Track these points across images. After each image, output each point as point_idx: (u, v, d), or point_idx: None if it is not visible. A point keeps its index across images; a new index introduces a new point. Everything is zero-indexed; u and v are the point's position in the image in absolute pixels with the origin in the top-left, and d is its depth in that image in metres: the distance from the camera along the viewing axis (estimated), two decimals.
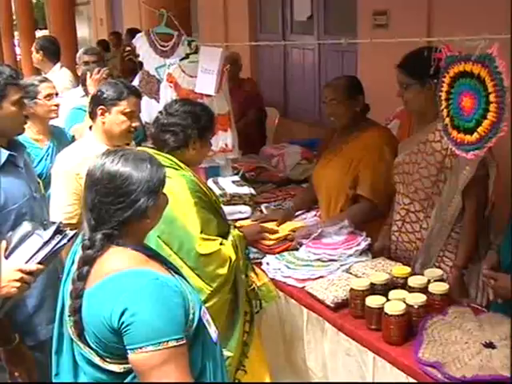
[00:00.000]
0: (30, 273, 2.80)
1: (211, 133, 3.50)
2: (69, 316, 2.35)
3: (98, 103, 3.83)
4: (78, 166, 3.62)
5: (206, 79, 4.74)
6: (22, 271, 2.76)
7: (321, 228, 3.93)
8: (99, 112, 3.81)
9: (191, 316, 2.31)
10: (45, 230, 2.95)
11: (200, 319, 2.38)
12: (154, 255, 2.46)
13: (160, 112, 3.50)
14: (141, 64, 5.71)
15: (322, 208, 4.36)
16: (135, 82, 5.59)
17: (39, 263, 2.85)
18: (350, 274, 3.57)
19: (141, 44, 5.58)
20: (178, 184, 3.21)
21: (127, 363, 2.24)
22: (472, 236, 3.55)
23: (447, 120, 2.92)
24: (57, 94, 4.82)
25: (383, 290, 3.22)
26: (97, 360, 2.28)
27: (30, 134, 4.50)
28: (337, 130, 4.37)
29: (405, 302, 3.01)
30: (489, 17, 4.87)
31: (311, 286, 3.51)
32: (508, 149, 3.18)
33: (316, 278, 3.59)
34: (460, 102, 2.83)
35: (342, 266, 3.65)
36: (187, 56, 5.05)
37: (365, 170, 4.07)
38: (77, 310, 2.30)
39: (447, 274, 3.56)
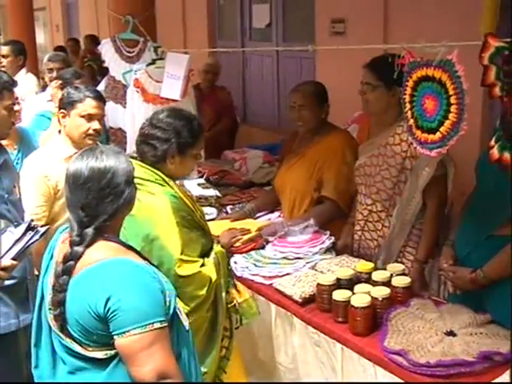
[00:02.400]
0: (4, 268, 2.90)
1: (194, 148, 3.29)
2: (50, 309, 2.42)
3: (60, 107, 3.90)
4: (46, 169, 3.72)
5: (171, 84, 4.84)
6: None
7: (287, 226, 4.05)
8: (61, 116, 3.87)
9: (168, 303, 2.41)
10: (16, 227, 3.05)
11: (175, 307, 2.49)
12: (129, 247, 2.56)
13: (145, 120, 3.38)
14: (105, 69, 5.78)
15: (285, 210, 4.46)
16: (101, 88, 5.66)
17: (13, 259, 2.95)
18: (316, 270, 3.70)
19: (106, 50, 5.66)
20: (160, 202, 3.16)
21: (110, 349, 2.33)
22: (433, 232, 3.72)
23: (411, 121, 3.09)
24: (16, 99, 4.75)
25: (348, 284, 3.35)
26: (79, 349, 2.36)
27: None
28: (298, 135, 4.49)
29: (370, 295, 3.15)
30: (441, 24, 5.09)
31: (279, 282, 3.62)
32: (464, 149, 3.36)
33: (283, 275, 3.70)
34: (423, 103, 2.99)
35: (307, 263, 3.78)
36: (154, 62, 5.15)
37: (328, 173, 4.19)
38: (61, 303, 2.38)
39: (409, 269, 3.73)
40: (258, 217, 4.59)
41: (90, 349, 2.36)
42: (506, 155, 2.50)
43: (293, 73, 8.01)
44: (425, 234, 3.73)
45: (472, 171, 3.42)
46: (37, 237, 3.01)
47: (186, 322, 2.61)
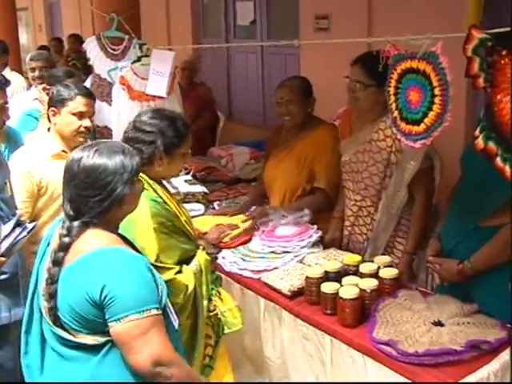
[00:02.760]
0: None
1: (182, 148, 3.25)
2: (43, 298, 2.46)
3: (49, 105, 3.92)
4: (31, 166, 3.75)
5: (157, 81, 4.84)
6: None
7: (281, 213, 4.09)
8: (51, 114, 3.89)
9: (160, 295, 2.47)
10: (4, 224, 3.06)
11: (166, 302, 2.54)
12: (125, 239, 2.62)
13: (129, 123, 3.33)
14: (91, 68, 5.78)
15: (274, 203, 4.49)
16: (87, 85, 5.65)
17: (1, 255, 2.98)
18: (304, 264, 3.73)
19: (91, 48, 5.65)
20: (140, 206, 3.02)
21: (101, 336, 2.37)
22: (421, 224, 3.75)
23: (396, 113, 3.12)
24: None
25: (336, 277, 3.38)
26: (68, 336, 2.40)
27: None
28: (283, 130, 4.55)
29: (358, 287, 3.18)
30: (425, 18, 5.13)
31: (267, 276, 3.64)
32: (448, 141, 3.39)
33: (271, 269, 3.72)
34: (407, 95, 3.02)
35: (295, 257, 3.80)
36: (139, 59, 5.15)
37: (319, 165, 4.27)
38: (52, 295, 2.43)
39: (400, 260, 3.78)
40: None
41: (81, 335, 2.39)
42: (491, 145, 2.53)
43: (277, 69, 8.05)
44: (413, 226, 3.77)
45: (457, 163, 3.45)
46: (25, 233, 3.03)
47: (175, 321, 2.65)
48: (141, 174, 3.10)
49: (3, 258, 2.99)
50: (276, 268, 3.73)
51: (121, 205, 2.50)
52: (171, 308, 2.64)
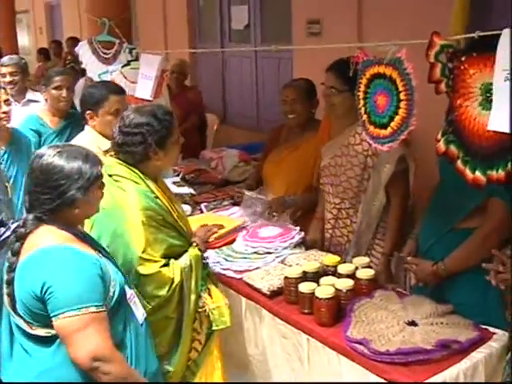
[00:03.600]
0: None
1: (172, 136, 3.30)
2: (5, 288, 2.55)
3: (85, 108, 3.97)
4: None
5: (145, 85, 4.92)
6: None
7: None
8: (88, 117, 3.94)
9: (111, 293, 2.55)
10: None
11: (121, 298, 2.61)
12: (83, 237, 2.68)
13: (114, 129, 3.34)
14: (83, 71, 5.85)
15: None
16: (78, 88, 5.73)
17: None
18: (285, 264, 3.78)
19: (84, 51, 5.71)
20: (130, 199, 3.20)
21: (52, 329, 2.44)
22: (397, 226, 3.83)
23: (365, 117, 3.19)
24: (6, 101, 4.58)
25: (315, 277, 3.43)
26: (25, 326, 2.49)
27: None
28: (284, 129, 4.75)
29: (334, 287, 3.24)
30: (415, 23, 5.18)
31: (248, 276, 3.70)
32: (426, 143, 3.45)
33: (253, 270, 3.78)
34: (375, 100, 3.10)
35: (277, 257, 3.86)
36: (128, 63, 5.24)
37: None
38: (10, 282, 2.53)
39: (379, 261, 3.86)
40: (232, 213, 4.67)
41: (34, 327, 2.48)
42: (452, 148, 2.60)
43: (271, 73, 8.09)
44: (389, 227, 3.84)
45: (433, 165, 3.51)
46: (8, 233, 3.00)
47: (141, 315, 2.74)
48: (133, 169, 3.24)
49: None
50: (258, 268, 3.79)
51: (72, 208, 2.57)
52: (137, 302, 2.75)
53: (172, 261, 3.28)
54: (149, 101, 4.91)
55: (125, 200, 3.20)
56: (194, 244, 3.44)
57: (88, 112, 3.94)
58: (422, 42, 2.62)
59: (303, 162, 4.50)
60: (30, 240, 2.54)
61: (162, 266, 3.21)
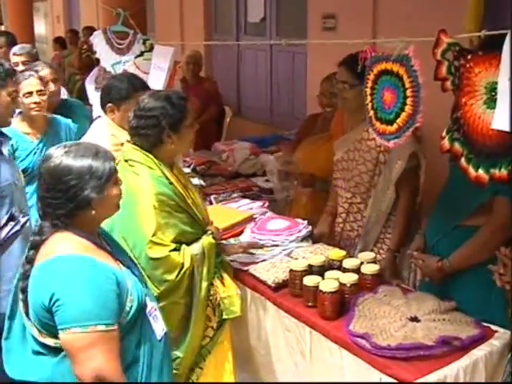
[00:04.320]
0: None
1: (186, 120, 3.35)
2: (20, 293, 2.46)
3: (106, 100, 3.92)
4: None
5: (157, 75, 4.94)
6: None
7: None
8: (108, 109, 3.91)
9: (127, 308, 2.40)
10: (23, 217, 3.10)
11: (138, 312, 2.46)
12: (102, 245, 2.52)
13: (129, 114, 3.43)
14: (98, 60, 5.88)
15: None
16: (91, 78, 5.77)
17: None
18: (291, 257, 3.80)
19: (98, 41, 5.75)
20: (143, 183, 3.25)
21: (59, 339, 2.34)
22: (405, 222, 3.83)
23: (371, 113, 3.22)
24: (40, 91, 4.56)
25: (320, 271, 3.46)
26: (36, 334, 2.38)
27: (20, 127, 4.47)
28: (319, 120, 4.92)
29: (338, 281, 3.26)
30: (429, 18, 5.17)
31: (254, 268, 3.72)
32: (437, 140, 3.47)
33: (259, 262, 3.80)
34: (382, 96, 3.12)
35: (283, 250, 3.87)
36: (142, 54, 5.27)
37: None
38: (24, 290, 2.42)
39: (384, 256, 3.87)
40: (241, 206, 4.69)
41: (44, 336, 2.37)
42: (457, 146, 2.61)
43: (286, 67, 8.11)
44: (397, 223, 3.85)
45: (439, 162, 3.52)
46: (18, 227, 3.03)
47: (160, 331, 2.59)
48: (148, 155, 3.26)
49: None
50: (264, 260, 3.80)
51: (88, 210, 2.42)
52: (158, 316, 2.61)
53: (183, 246, 3.31)
54: None
55: (138, 184, 3.25)
56: (209, 232, 3.47)
57: (109, 105, 3.91)
58: (429, 39, 2.63)
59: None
60: (46, 247, 2.40)
61: (172, 251, 3.24)
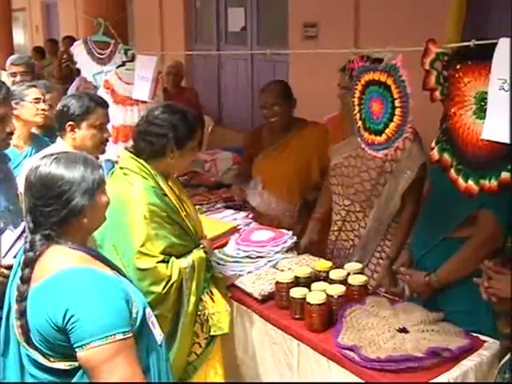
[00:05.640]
0: (7, 267, 2.79)
1: (192, 141, 3.36)
2: (15, 318, 2.35)
3: (66, 119, 3.72)
4: None
5: (141, 86, 4.89)
6: (1, 266, 2.78)
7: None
8: (68, 128, 3.71)
9: (134, 315, 2.34)
10: (15, 227, 3.04)
11: (144, 319, 2.42)
12: (98, 256, 2.48)
13: (141, 117, 3.46)
14: (78, 71, 5.83)
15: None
16: (72, 88, 5.71)
17: (14, 257, 2.83)
18: (277, 269, 3.76)
19: (78, 51, 5.68)
20: (135, 193, 3.22)
21: (74, 361, 2.24)
22: (406, 232, 3.79)
23: (360, 123, 3.18)
24: (44, 101, 4.65)
25: (306, 282, 3.43)
26: (41, 360, 2.28)
27: None
28: (263, 132, 4.85)
29: (325, 293, 3.23)
30: (411, 28, 5.19)
31: (240, 280, 3.69)
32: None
33: (244, 274, 3.75)
34: (370, 106, 3.09)
35: (269, 261, 3.83)
36: (124, 64, 5.21)
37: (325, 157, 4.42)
38: (22, 313, 2.31)
39: (382, 265, 3.85)
40: (225, 216, 4.66)
41: (52, 359, 2.28)
42: (446, 156, 2.59)
43: (267, 76, 8.04)
44: (399, 233, 3.83)
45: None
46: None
47: (159, 336, 2.54)
48: (144, 164, 3.24)
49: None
50: (249, 272, 3.76)
51: (80, 217, 2.37)
52: (155, 322, 2.56)
53: (172, 259, 3.28)
54: (145, 102, 4.91)
55: (130, 194, 3.22)
56: (201, 246, 3.45)
57: (69, 123, 3.70)
58: (417, 49, 2.61)
59: (296, 160, 4.59)
60: (42, 264, 2.33)
61: (159, 262, 3.21)
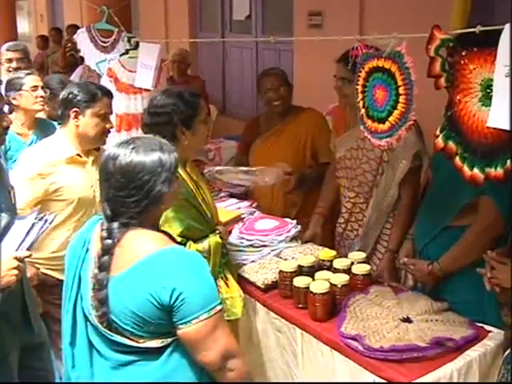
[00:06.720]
0: (21, 260, 2.79)
1: (199, 116, 3.35)
2: (93, 307, 2.36)
3: (70, 105, 3.70)
4: (42, 168, 3.61)
5: (144, 74, 4.87)
6: (16, 259, 2.76)
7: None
8: (72, 115, 3.69)
9: None
10: (21, 219, 3.01)
11: None
12: (168, 235, 2.56)
13: (143, 111, 3.47)
14: (82, 59, 5.81)
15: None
16: (75, 76, 5.69)
17: (27, 250, 2.83)
18: (280, 258, 3.76)
19: (82, 39, 5.67)
20: None
21: (167, 337, 2.33)
22: (405, 222, 3.76)
23: (363, 111, 3.15)
24: (43, 88, 4.71)
25: (310, 271, 3.42)
26: (128, 342, 2.33)
27: (13, 128, 4.28)
28: (260, 120, 4.91)
29: (329, 282, 3.22)
30: (416, 15, 5.15)
31: (243, 269, 3.69)
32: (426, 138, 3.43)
33: (248, 263, 3.76)
34: (374, 94, 3.06)
35: (272, 251, 3.83)
36: (127, 52, 5.19)
37: (321, 142, 4.53)
38: (102, 301, 2.33)
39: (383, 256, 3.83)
40: (229, 205, 4.64)
41: (142, 340, 2.33)
42: (451, 144, 2.57)
43: (271, 65, 8.02)
44: (397, 223, 3.80)
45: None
46: (47, 224, 2.93)
47: None
48: None
49: (29, 253, 2.83)
50: (253, 261, 3.76)
51: (159, 204, 2.42)
52: None
53: (190, 242, 3.32)
54: (148, 90, 4.89)
55: None
56: (217, 231, 3.48)
57: (74, 109, 3.68)
58: (422, 35, 2.58)
59: (296, 144, 4.61)
60: (123, 250, 2.35)
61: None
